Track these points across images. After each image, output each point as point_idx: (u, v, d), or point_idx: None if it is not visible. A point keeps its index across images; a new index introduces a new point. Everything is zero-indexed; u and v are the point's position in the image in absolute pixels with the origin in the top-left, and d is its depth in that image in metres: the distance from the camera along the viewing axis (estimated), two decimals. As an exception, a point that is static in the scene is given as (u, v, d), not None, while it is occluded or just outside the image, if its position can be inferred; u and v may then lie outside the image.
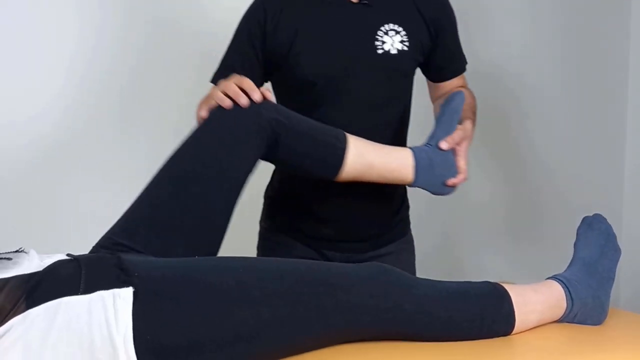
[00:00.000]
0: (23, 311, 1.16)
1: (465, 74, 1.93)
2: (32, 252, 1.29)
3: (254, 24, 1.74)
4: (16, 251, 1.30)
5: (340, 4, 1.75)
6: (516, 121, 2.81)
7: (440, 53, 1.84)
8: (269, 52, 1.74)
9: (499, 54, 2.74)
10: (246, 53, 1.75)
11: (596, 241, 1.55)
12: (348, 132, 1.60)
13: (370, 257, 1.79)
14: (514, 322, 1.41)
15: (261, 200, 1.96)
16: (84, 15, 2.23)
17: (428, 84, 1.94)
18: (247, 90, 1.48)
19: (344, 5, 1.75)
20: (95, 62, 2.24)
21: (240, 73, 1.63)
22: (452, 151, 1.65)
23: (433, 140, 1.65)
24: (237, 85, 1.49)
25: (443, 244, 2.79)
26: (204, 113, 1.52)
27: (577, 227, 1.62)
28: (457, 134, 1.66)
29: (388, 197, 1.88)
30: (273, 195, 1.92)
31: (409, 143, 1.86)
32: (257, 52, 1.75)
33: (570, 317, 1.49)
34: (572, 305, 1.48)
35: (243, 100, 1.47)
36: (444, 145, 1.63)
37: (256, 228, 1.96)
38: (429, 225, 2.58)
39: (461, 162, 1.66)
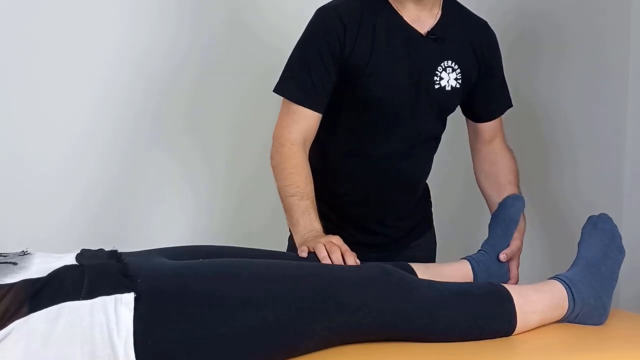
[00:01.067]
0: (25, 315, 1.16)
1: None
2: (39, 254, 1.29)
3: (332, 37, 1.70)
4: (21, 253, 1.30)
5: (411, 34, 1.74)
6: (515, 121, 2.81)
7: (484, 93, 1.86)
8: (344, 67, 1.72)
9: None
10: (322, 67, 1.71)
11: (600, 241, 1.55)
12: (391, 157, 1.75)
13: (404, 256, 1.81)
14: (515, 322, 1.42)
15: None
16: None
17: (467, 123, 1.95)
18: (344, 254, 1.51)
19: (414, 35, 1.75)
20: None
21: (316, 89, 1.68)
22: (508, 261, 1.76)
23: (490, 249, 1.74)
24: (339, 247, 1.53)
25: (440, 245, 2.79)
26: (304, 254, 1.55)
27: (577, 228, 1.62)
28: (515, 245, 1.76)
29: (419, 209, 1.95)
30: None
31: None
32: (334, 67, 1.71)
33: (572, 317, 1.49)
34: (574, 305, 1.48)
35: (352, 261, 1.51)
36: (502, 257, 1.73)
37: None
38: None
39: (514, 271, 1.77)
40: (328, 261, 1.49)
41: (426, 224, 2.00)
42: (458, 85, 1.78)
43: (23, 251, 1.32)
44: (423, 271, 1.60)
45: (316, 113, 1.71)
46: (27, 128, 2.15)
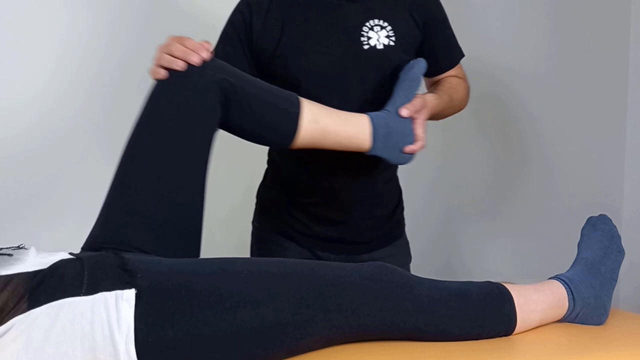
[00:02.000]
0: (25, 310, 1.16)
1: (464, 69, 1.92)
2: (33, 249, 1.29)
3: (240, 22, 1.73)
4: (17, 247, 1.30)
5: (325, 2, 1.73)
6: (515, 120, 2.81)
7: (430, 46, 1.82)
8: (257, 50, 1.73)
9: (497, 50, 2.74)
10: (233, 46, 1.73)
11: (600, 242, 1.55)
12: None
13: (365, 260, 1.76)
14: (515, 322, 1.42)
15: (254, 201, 1.94)
16: (74, 10, 2.22)
17: (425, 80, 1.90)
18: (193, 50, 1.43)
19: (328, 2, 1.73)
20: (85, 58, 2.24)
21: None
22: (411, 119, 1.62)
23: (392, 107, 1.62)
24: (182, 45, 1.44)
25: (439, 244, 2.79)
26: (160, 75, 1.45)
27: (577, 227, 1.62)
28: (417, 101, 1.63)
29: (383, 198, 1.87)
30: (266, 195, 1.91)
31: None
32: (243, 47, 1.72)
33: (572, 317, 1.49)
34: (574, 305, 1.48)
35: (194, 59, 1.43)
36: (403, 112, 1.60)
37: (249, 228, 1.95)
38: (424, 226, 2.60)
39: (419, 130, 1.62)
40: (176, 64, 1.42)
41: (396, 232, 1.93)
42: (392, 43, 1.73)
43: (18, 245, 1.31)
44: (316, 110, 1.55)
45: None
46: (26, 128, 2.15)
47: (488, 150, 2.81)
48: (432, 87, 1.87)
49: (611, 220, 1.60)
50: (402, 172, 1.93)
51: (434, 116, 1.77)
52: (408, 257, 1.97)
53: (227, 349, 1.23)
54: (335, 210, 1.82)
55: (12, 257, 1.24)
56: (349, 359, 1.31)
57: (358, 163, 1.72)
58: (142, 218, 1.40)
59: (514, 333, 1.43)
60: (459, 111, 1.91)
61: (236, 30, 1.74)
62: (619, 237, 1.58)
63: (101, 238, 1.39)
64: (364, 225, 1.84)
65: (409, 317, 1.35)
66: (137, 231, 1.39)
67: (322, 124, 1.55)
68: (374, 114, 1.60)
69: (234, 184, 2.24)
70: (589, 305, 1.49)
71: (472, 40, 2.63)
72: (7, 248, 1.30)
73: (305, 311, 1.28)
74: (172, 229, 1.42)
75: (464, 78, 1.92)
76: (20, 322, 1.16)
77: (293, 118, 1.52)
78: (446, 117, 1.86)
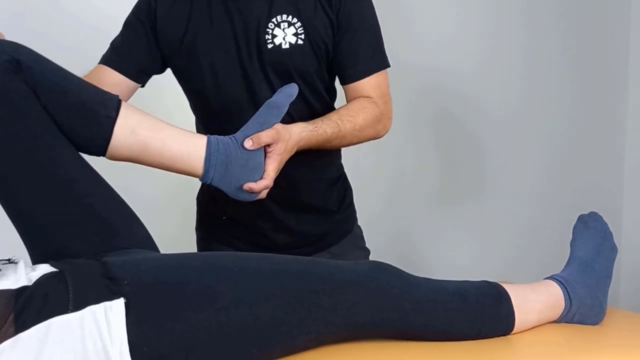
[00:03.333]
0: (12, 335, 1.11)
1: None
2: (21, 263, 1.23)
3: (145, 6, 1.66)
4: (7, 261, 1.26)
5: None
6: (515, 120, 2.81)
7: (343, 50, 1.64)
8: (161, 39, 1.64)
9: (502, 50, 2.74)
10: (135, 30, 1.65)
11: (592, 240, 1.55)
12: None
13: None
14: (513, 322, 1.42)
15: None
16: None
17: (343, 89, 1.72)
18: None
19: None
20: None
21: (128, 50, 1.61)
22: (261, 151, 1.43)
23: (240, 135, 1.42)
24: None
25: (435, 244, 2.79)
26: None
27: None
28: (269, 133, 1.42)
29: (324, 196, 1.76)
30: (203, 199, 1.83)
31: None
32: (146, 32, 1.64)
33: (569, 316, 1.49)
34: (571, 305, 1.48)
35: None
36: (246, 143, 1.40)
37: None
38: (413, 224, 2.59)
39: (269, 167, 1.43)
40: None
41: (342, 231, 1.82)
42: (300, 41, 1.59)
43: (8, 259, 1.27)
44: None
45: (122, 76, 1.64)
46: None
47: (487, 150, 2.81)
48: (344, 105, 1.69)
49: (602, 218, 1.59)
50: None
51: (319, 146, 1.59)
52: (363, 251, 1.86)
53: (222, 350, 1.22)
54: (273, 215, 1.72)
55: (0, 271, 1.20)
56: (345, 359, 1.31)
57: (291, 171, 1.56)
58: (69, 228, 1.30)
59: (511, 333, 1.43)
60: (369, 139, 1.70)
61: (139, 17, 1.66)
62: (611, 234, 1.57)
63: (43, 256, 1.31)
64: (307, 228, 1.76)
65: (406, 317, 1.35)
66: (79, 240, 1.31)
67: (142, 137, 1.34)
68: (216, 137, 1.41)
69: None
70: (585, 304, 1.49)
71: (472, 39, 2.64)
72: None
73: (299, 309, 1.26)
74: (103, 220, 1.33)
75: (380, 99, 1.68)
76: (9, 348, 1.11)
77: (103, 123, 1.32)
78: (345, 146, 1.69)
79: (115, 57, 1.66)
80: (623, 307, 2.12)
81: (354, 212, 1.87)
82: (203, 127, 1.73)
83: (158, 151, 1.37)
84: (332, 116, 1.61)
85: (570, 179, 2.86)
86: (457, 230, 2.79)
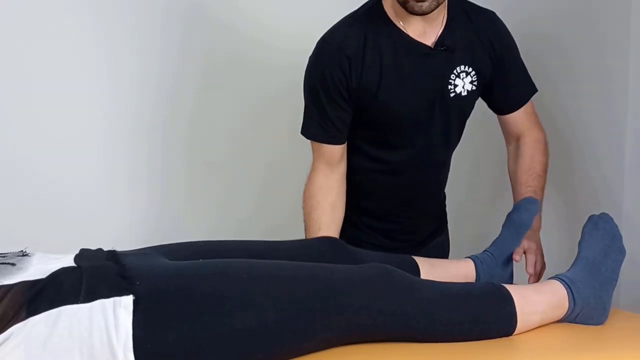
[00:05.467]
0: (24, 319, 1.16)
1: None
2: (37, 255, 1.29)
3: (338, 73, 1.71)
4: (20, 254, 1.30)
5: (419, 50, 1.73)
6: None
7: (499, 84, 1.83)
8: (355, 96, 1.74)
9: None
10: (335, 104, 1.74)
11: (601, 241, 1.55)
12: (411, 169, 1.80)
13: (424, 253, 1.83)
14: (516, 323, 1.42)
15: None
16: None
17: (498, 118, 1.94)
18: None
19: (421, 51, 1.73)
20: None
21: (336, 125, 1.74)
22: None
23: (496, 252, 1.72)
24: None
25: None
26: None
27: (578, 227, 1.62)
28: (526, 244, 1.76)
29: (439, 210, 2.00)
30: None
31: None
32: (345, 101, 1.74)
33: (572, 317, 1.49)
34: (574, 305, 1.48)
35: None
36: (517, 258, 1.73)
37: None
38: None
39: (530, 268, 1.75)
40: None
41: (443, 224, 2.03)
42: (474, 88, 1.78)
43: (22, 251, 1.31)
44: (427, 267, 1.60)
45: (340, 146, 1.79)
46: (26, 125, 2.15)
47: (486, 151, 2.81)
48: (512, 158, 1.94)
49: (612, 219, 1.60)
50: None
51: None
52: (447, 243, 2.07)
53: (227, 352, 1.23)
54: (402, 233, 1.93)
55: (15, 266, 1.24)
56: (348, 360, 1.31)
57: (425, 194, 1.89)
58: None
59: (514, 333, 1.43)
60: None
61: (334, 79, 1.72)
62: (620, 237, 1.58)
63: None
64: (426, 230, 1.97)
65: (410, 320, 1.35)
66: None
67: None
68: (479, 258, 1.71)
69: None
70: (589, 305, 1.49)
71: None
72: (11, 255, 1.30)
73: (305, 313, 1.28)
74: None
75: (535, 123, 1.91)
76: (19, 330, 1.16)
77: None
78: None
79: (333, 133, 1.78)
80: (623, 307, 2.12)
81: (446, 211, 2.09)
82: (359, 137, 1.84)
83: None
84: (535, 182, 1.88)
85: (570, 179, 2.86)
86: (458, 232, 2.79)
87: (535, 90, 1.89)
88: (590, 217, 1.60)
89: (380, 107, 1.74)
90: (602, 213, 1.61)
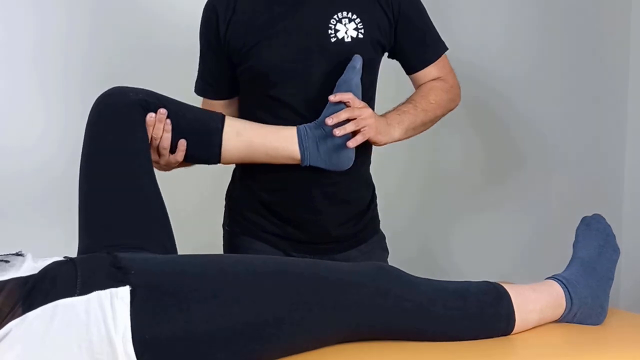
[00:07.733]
0: (20, 315, 1.16)
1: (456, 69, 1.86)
2: (29, 255, 1.28)
3: (209, 28, 1.75)
4: (15, 254, 1.30)
5: None
6: (515, 120, 2.81)
7: (406, 41, 1.78)
8: (227, 51, 1.73)
9: (497, 49, 2.74)
10: (211, 60, 1.78)
11: (595, 241, 1.55)
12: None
13: (341, 259, 1.74)
14: (513, 321, 1.42)
15: (223, 203, 1.90)
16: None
17: (410, 78, 1.86)
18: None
19: None
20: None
21: (215, 81, 1.76)
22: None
23: (321, 118, 1.63)
24: None
25: (429, 245, 2.79)
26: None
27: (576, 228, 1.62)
28: (339, 97, 1.60)
29: (355, 196, 1.82)
30: (235, 196, 1.87)
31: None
32: (218, 56, 1.75)
33: (570, 316, 1.49)
34: (572, 305, 1.48)
35: None
36: (328, 121, 1.59)
37: (218, 230, 1.91)
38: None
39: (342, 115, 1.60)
40: None
41: (370, 229, 1.88)
42: (361, 35, 1.71)
43: (16, 252, 1.31)
44: None
45: (219, 101, 1.80)
46: (26, 126, 2.16)
47: (486, 151, 2.81)
48: (415, 92, 1.83)
49: (605, 220, 1.60)
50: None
51: (410, 129, 1.75)
52: (385, 252, 1.91)
53: (223, 344, 1.23)
54: (306, 211, 1.77)
55: (8, 263, 1.24)
56: (345, 359, 1.31)
57: None
58: (118, 220, 1.44)
59: (512, 333, 1.43)
60: (447, 112, 1.85)
61: (206, 37, 1.76)
62: (614, 236, 1.58)
63: (91, 246, 1.40)
64: (335, 224, 1.79)
65: (407, 317, 1.35)
66: (117, 233, 1.41)
67: (245, 137, 1.61)
68: (304, 125, 1.64)
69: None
70: (586, 304, 1.49)
71: (469, 40, 2.64)
72: (5, 255, 1.30)
73: (301, 307, 1.28)
74: (144, 225, 1.45)
75: (447, 76, 1.84)
76: (16, 327, 1.16)
77: (214, 132, 1.59)
78: (430, 123, 1.82)
79: (213, 88, 1.81)
80: (623, 307, 2.12)
81: (377, 214, 1.94)
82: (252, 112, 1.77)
83: (261, 147, 1.62)
84: (405, 102, 1.77)
85: (570, 179, 2.86)
86: (458, 232, 2.79)
87: (445, 49, 1.84)
88: (583, 219, 1.61)
89: (249, 61, 1.71)
90: (595, 214, 1.61)
